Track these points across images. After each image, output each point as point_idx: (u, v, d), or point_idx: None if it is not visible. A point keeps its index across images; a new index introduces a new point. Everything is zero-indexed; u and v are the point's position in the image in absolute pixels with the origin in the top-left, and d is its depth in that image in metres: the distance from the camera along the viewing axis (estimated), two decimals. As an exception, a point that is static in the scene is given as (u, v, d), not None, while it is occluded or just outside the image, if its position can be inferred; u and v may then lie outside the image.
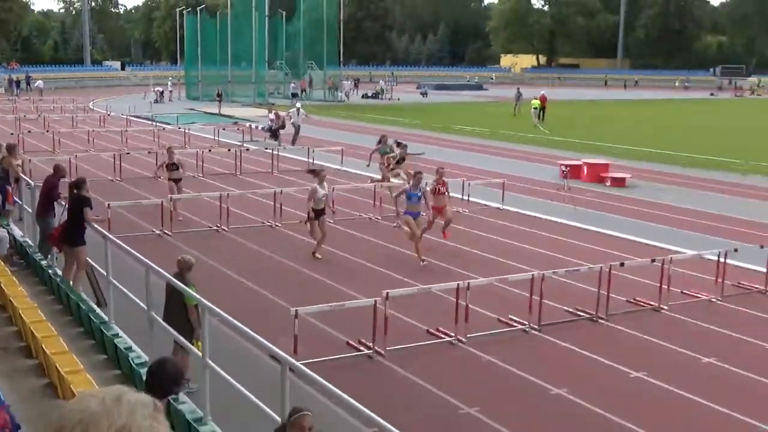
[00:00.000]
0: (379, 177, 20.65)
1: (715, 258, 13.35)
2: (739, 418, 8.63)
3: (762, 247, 13.98)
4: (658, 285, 12.52)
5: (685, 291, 13.13)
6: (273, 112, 36.10)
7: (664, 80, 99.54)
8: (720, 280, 13.18)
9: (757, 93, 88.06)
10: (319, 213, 14.62)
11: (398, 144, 21.20)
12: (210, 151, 27.95)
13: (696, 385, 9.48)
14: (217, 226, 17.33)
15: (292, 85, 61.55)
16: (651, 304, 12.45)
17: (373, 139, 35.42)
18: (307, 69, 63.12)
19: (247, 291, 12.82)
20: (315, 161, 26.78)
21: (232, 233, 16.95)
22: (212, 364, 6.80)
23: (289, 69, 64.68)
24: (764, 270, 13.64)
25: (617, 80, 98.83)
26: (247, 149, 28.88)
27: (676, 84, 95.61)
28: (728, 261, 13.32)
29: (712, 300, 12.91)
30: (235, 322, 6.68)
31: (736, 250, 13.73)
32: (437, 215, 15.52)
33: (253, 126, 36.45)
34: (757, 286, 13.57)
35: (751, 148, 34.21)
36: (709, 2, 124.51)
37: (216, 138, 33.09)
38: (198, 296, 7.64)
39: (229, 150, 27.91)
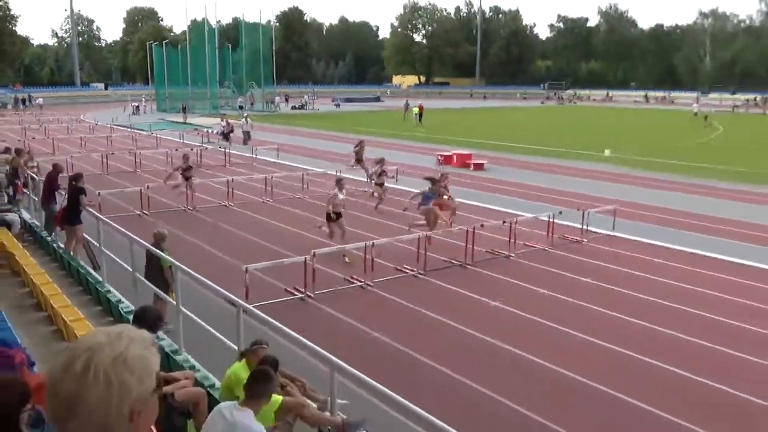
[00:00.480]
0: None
1: (547, 219, 13.81)
2: (564, 330, 8.97)
3: (579, 210, 14.53)
4: (508, 239, 12.86)
5: (526, 243, 13.48)
6: (224, 120, 35.30)
7: (509, 93, 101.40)
8: (551, 234, 13.65)
9: (573, 101, 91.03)
10: (338, 216, 12.63)
11: (378, 161, 18.39)
12: (177, 150, 27.18)
13: (536, 309, 9.77)
14: (183, 206, 16.87)
15: (239, 99, 60.68)
16: (503, 253, 12.76)
17: (301, 138, 35.39)
18: (249, 88, 62.01)
19: (209, 255, 12.54)
20: (257, 156, 26.35)
21: (195, 212, 16.54)
22: (184, 310, 6.66)
23: (235, 88, 63.45)
24: (580, 226, 14.19)
25: (478, 93, 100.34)
26: (206, 148, 28.22)
27: (518, 95, 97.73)
28: (556, 221, 13.77)
29: (546, 249, 13.34)
30: (201, 277, 6.54)
31: (560, 213, 14.18)
32: (444, 209, 13.97)
33: (210, 131, 35.66)
34: (576, 237, 14.08)
35: (572, 139, 35.38)
36: (538, 36, 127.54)
37: (182, 140, 32.17)
38: (171, 259, 7.46)
39: (191, 149, 27.15)
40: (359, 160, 20.84)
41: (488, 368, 7.84)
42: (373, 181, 18.25)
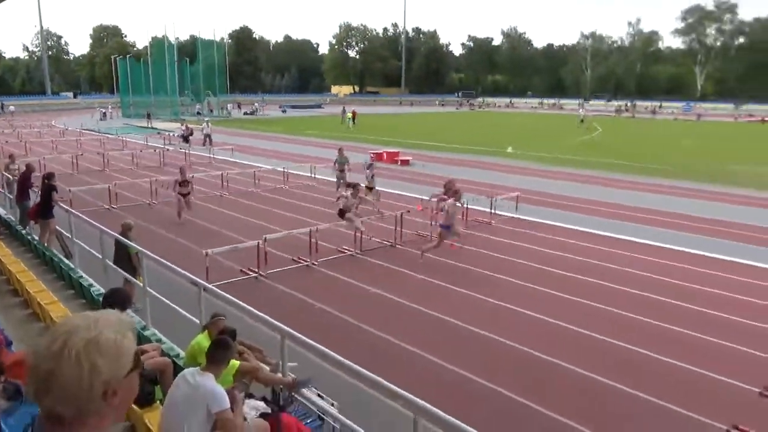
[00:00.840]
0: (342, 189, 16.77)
1: (462, 204, 13.99)
2: (475, 296, 9.14)
3: (489, 197, 14.81)
4: (429, 222, 12.94)
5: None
6: (184, 124, 34.12)
7: (430, 101, 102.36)
8: (465, 217, 13.86)
9: (482, 108, 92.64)
10: (342, 212, 11.94)
11: (369, 165, 16.73)
12: (141, 151, 26.11)
13: (455, 279, 9.91)
14: (148, 201, 16.24)
15: (197, 106, 58.88)
16: (426, 234, 12.72)
17: (252, 141, 34.60)
18: (206, 96, 60.15)
19: (172, 241, 12.12)
20: (215, 156, 25.61)
21: (159, 205, 15.93)
22: (151, 291, 6.42)
23: (193, 96, 61.16)
24: (489, 210, 14.49)
25: (406, 101, 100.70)
26: (168, 150, 27.22)
27: (437, 103, 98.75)
28: (469, 206, 14.00)
29: (462, 229, 13.51)
30: (165, 261, 6.30)
31: (474, 199, 14.44)
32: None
33: (172, 134, 34.41)
34: (485, 220, 14.37)
35: (481, 139, 36.02)
36: (452, 52, 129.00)
37: (146, 143, 30.89)
38: (138, 247, 7.16)
39: (155, 150, 26.14)
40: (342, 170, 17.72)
41: (415, 329, 7.91)
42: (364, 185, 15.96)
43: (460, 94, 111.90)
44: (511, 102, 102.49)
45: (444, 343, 7.50)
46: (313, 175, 20.39)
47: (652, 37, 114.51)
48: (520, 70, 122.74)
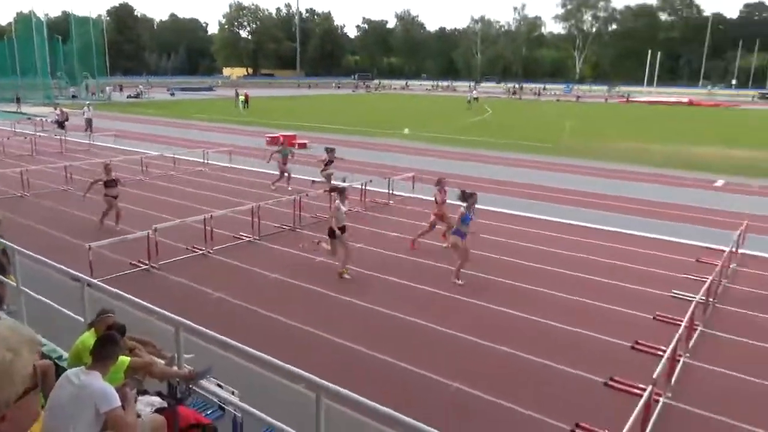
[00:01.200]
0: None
1: (360, 186, 14.17)
2: (368, 273, 9.32)
3: (386, 178, 15.05)
4: (328, 205, 12.96)
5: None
6: (59, 109, 31.35)
7: (327, 83, 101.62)
8: (363, 198, 14.04)
9: (378, 90, 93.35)
10: (342, 230, 9.34)
11: (328, 150, 15.64)
12: (8, 139, 23.75)
13: (313, 278, 10.04)
14: (20, 193, 14.86)
15: (71, 89, 54.37)
16: (324, 216, 12.78)
17: (137, 126, 32.58)
18: (83, 78, 55.58)
19: (51, 236, 11.21)
20: (95, 142, 23.88)
21: (32, 197, 14.64)
22: (25, 290, 5.91)
23: (68, 78, 56.20)
24: (386, 191, 14.75)
25: (303, 84, 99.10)
26: (40, 136, 24.97)
27: (334, 85, 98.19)
28: (367, 187, 14.17)
29: (360, 210, 13.67)
30: (41, 257, 5.82)
31: (371, 181, 14.63)
32: (438, 221, 10.91)
33: (44, 120, 31.56)
34: (383, 200, 14.62)
35: (379, 121, 36.39)
36: (347, 35, 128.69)
37: (13, 129, 28.11)
38: (6, 242, 6.54)
39: (25, 137, 23.85)
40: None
41: (315, 311, 7.94)
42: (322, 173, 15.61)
43: (356, 76, 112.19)
44: (406, 84, 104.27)
45: (343, 321, 7.60)
46: (205, 161, 19.63)
47: (536, 22, 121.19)
48: (414, 52, 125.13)
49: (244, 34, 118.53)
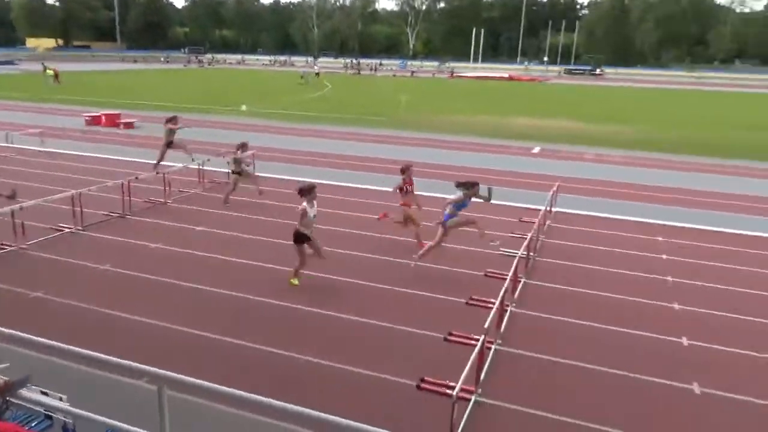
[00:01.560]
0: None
1: (197, 166, 13.48)
2: (214, 257, 9.03)
3: (223, 157, 14.49)
4: (163, 188, 12.22)
5: (181, 189, 12.98)
6: None
7: (153, 57, 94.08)
8: (202, 180, 13.41)
9: (212, 64, 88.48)
10: (305, 237, 7.99)
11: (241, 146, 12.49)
12: None
13: (193, 245, 9.60)
14: None
15: None
16: (159, 201, 12.10)
17: None
18: None
19: None
20: None
21: None
22: None
23: None
24: (225, 171, 14.23)
25: (127, 57, 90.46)
26: None
27: (162, 59, 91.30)
28: (205, 167, 13.53)
29: (199, 192, 13.06)
30: None
31: (209, 160, 13.97)
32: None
33: None
34: (224, 180, 14.04)
35: (213, 98, 34.66)
36: (174, 5, 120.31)
37: None
38: None
39: None
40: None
41: (151, 300, 7.50)
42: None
43: (186, 50, 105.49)
44: (242, 59, 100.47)
45: (181, 307, 7.28)
46: (9, 144, 17.28)
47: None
48: (249, 25, 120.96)
49: (50, 0, 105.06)
